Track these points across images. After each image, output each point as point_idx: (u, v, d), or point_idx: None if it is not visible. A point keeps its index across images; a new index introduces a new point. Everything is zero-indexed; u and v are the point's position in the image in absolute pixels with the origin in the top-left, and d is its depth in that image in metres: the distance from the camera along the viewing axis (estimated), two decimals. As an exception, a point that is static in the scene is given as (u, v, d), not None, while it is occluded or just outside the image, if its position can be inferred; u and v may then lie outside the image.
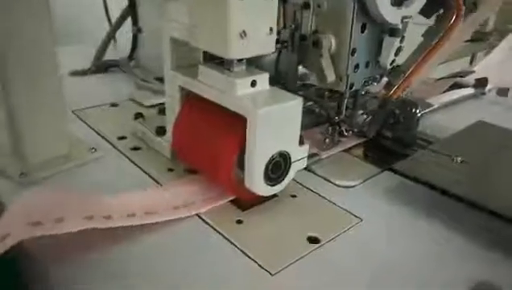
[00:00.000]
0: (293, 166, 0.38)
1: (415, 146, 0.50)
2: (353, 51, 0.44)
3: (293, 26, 0.45)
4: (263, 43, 0.36)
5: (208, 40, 0.35)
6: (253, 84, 0.36)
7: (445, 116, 0.60)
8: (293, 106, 0.36)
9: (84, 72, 0.70)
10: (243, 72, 0.37)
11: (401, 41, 0.45)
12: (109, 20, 0.84)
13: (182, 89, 0.41)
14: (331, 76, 0.44)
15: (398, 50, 0.46)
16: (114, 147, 0.48)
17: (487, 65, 0.71)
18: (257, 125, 0.33)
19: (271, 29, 0.36)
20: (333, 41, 0.44)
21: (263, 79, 0.37)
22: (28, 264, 0.33)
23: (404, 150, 0.49)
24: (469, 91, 0.65)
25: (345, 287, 0.31)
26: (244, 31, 0.34)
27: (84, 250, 0.32)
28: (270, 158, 0.36)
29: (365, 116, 0.51)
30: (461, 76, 0.66)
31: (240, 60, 0.37)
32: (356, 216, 0.39)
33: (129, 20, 0.71)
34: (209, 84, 0.37)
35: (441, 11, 0.46)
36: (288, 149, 0.37)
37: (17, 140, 0.41)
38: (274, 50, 0.37)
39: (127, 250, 0.33)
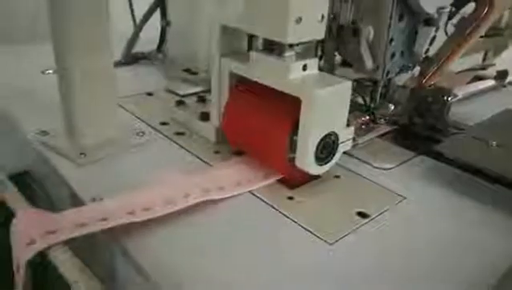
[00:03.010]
0: (340, 147, 0.40)
1: (446, 132, 0.52)
2: (391, 40, 0.46)
3: (332, 16, 0.47)
4: (315, 30, 0.38)
5: (264, 26, 0.37)
6: (305, 68, 0.38)
7: (469, 106, 0.62)
8: (344, 89, 0.38)
9: (114, 64, 0.72)
10: (294, 57, 0.39)
11: (436, 31, 0.47)
12: (132, 14, 0.85)
13: (231, 74, 0.43)
14: (369, 65, 0.46)
15: (433, 39, 0.48)
16: (159, 131, 0.50)
17: (507, 58, 0.73)
18: (312, 105, 0.36)
19: (323, 16, 0.38)
20: (371, 30, 0.46)
21: (313, 63, 0.39)
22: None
23: (436, 136, 0.51)
24: (490, 83, 0.67)
25: (400, 257, 0.33)
26: (300, 17, 0.36)
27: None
28: (321, 138, 0.38)
29: (392, 107, 0.53)
30: (483, 69, 0.68)
31: (291, 46, 0.39)
32: (398, 194, 0.41)
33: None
34: (262, 69, 0.39)
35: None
36: (337, 130, 0.39)
37: (72, 123, 0.43)
38: (323, 36, 0.39)
39: (200, 222, 0.36)
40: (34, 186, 0.48)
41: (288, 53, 0.39)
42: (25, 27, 0.76)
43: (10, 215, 0.33)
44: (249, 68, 0.40)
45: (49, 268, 0.29)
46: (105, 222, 0.32)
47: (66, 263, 0.27)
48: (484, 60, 0.86)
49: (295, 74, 0.38)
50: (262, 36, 0.39)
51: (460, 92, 0.63)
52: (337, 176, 0.43)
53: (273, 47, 0.40)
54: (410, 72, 0.51)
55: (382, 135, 0.52)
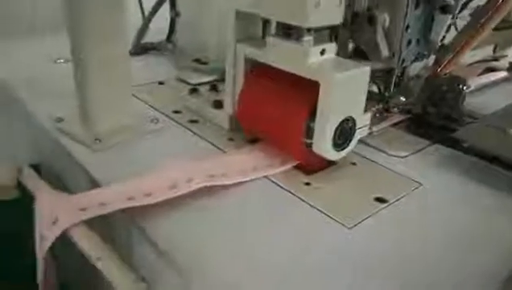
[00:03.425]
0: (357, 132, 0.40)
1: (461, 122, 0.52)
2: (407, 28, 0.45)
3: (347, 3, 0.47)
4: (334, 14, 0.38)
5: (282, 10, 0.37)
6: (323, 52, 0.38)
7: (481, 97, 0.62)
8: (363, 73, 0.38)
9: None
10: (312, 42, 0.38)
11: (452, 18, 0.47)
12: (140, 5, 0.85)
13: (247, 60, 0.43)
14: (385, 52, 0.46)
15: (449, 27, 0.48)
16: (172, 119, 0.49)
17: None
18: (331, 89, 0.35)
19: (341, 0, 0.37)
20: (387, 17, 0.46)
21: (331, 48, 0.39)
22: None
23: (450, 125, 0.51)
24: (503, 74, 0.67)
25: (417, 242, 0.33)
26: (318, 1, 0.36)
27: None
28: (339, 123, 0.37)
29: (403, 99, 0.53)
30: (495, 60, 0.68)
31: (309, 31, 0.38)
32: (415, 181, 0.40)
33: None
34: (279, 54, 0.39)
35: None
36: (354, 115, 0.39)
37: (87, 110, 0.43)
38: (341, 21, 0.38)
39: (219, 203, 0.36)
40: (48, 176, 0.48)
41: (306, 38, 0.38)
42: (38, 17, 0.76)
43: (31, 201, 0.33)
44: (266, 53, 0.40)
45: (69, 246, 0.29)
46: (102, 208, 0.32)
47: (88, 241, 0.27)
48: (494, 53, 0.86)
49: (313, 58, 0.37)
50: (279, 20, 0.39)
51: (473, 83, 0.63)
52: (353, 163, 0.43)
53: (290, 32, 0.39)
54: (425, 60, 0.50)
55: (396, 124, 0.52)
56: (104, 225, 0.33)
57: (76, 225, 0.29)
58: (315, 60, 0.38)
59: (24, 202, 0.34)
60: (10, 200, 0.36)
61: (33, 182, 0.34)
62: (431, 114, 0.53)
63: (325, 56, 0.38)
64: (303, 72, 0.37)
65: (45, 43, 0.71)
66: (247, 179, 0.38)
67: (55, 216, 0.29)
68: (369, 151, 0.46)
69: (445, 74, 0.50)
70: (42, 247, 0.29)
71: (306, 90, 0.38)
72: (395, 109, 0.53)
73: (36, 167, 0.52)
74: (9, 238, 0.38)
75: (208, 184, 0.36)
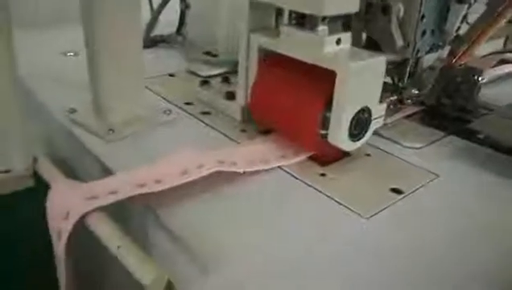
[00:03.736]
0: (372, 123, 0.39)
1: (476, 113, 0.51)
2: (422, 17, 0.45)
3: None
4: (350, 2, 0.37)
5: (297, -1, 0.37)
6: (338, 42, 0.38)
7: (495, 89, 0.61)
8: (379, 63, 0.37)
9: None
10: (327, 31, 0.38)
11: (468, 8, 0.46)
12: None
13: (260, 50, 0.42)
14: (399, 42, 0.45)
15: (464, 17, 0.47)
16: (185, 111, 0.49)
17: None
18: (348, 79, 0.35)
19: (357, -12, 0.37)
20: (402, 7, 0.45)
21: (346, 38, 0.38)
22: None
23: (465, 116, 0.51)
24: (517, 66, 0.66)
25: (436, 233, 0.33)
26: (335, -11, 0.35)
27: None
28: (355, 113, 0.37)
29: (416, 91, 0.52)
30: (510, 52, 0.67)
31: (324, 20, 0.38)
32: (431, 172, 0.40)
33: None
34: (294, 43, 0.39)
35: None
36: (370, 106, 0.38)
37: (100, 101, 0.43)
38: (357, 9, 0.38)
39: (231, 193, 0.36)
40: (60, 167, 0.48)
41: (321, 27, 0.38)
42: (47, 10, 0.76)
43: (46, 190, 0.33)
44: (280, 43, 0.40)
45: (86, 235, 0.28)
46: (113, 195, 0.31)
47: (107, 229, 0.27)
48: (504, 45, 0.85)
49: (328, 48, 0.37)
50: (294, 9, 0.38)
51: (487, 75, 0.62)
52: (368, 155, 0.43)
53: (304, 21, 0.39)
54: (439, 51, 0.50)
55: (410, 116, 0.52)
56: (118, 214, 0.33)
57: (94, 213, 0.28)
58: (331, 49, 0.37)
59: (39, 191, 0.33)
60: (25, 190, 0.36)
61: (48, 171, 0.34)
62: (445, 106, 0.52)
63: (341, 46, 0.38)
64: (319, 62, 0.37)
65: (54, 36, 0.71)
66: (260, 168, 0.38)
67: (66, 208, 0.29)
68: (384, 143, 0.45)
69: (460, 65, 0.50)
70: (60, 242, 0.29)
71: (321, 80, 0.37)
72: (409, 101, 0.52)
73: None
74: (23, 228, 0.38)
75: (219, 168, 0.35)
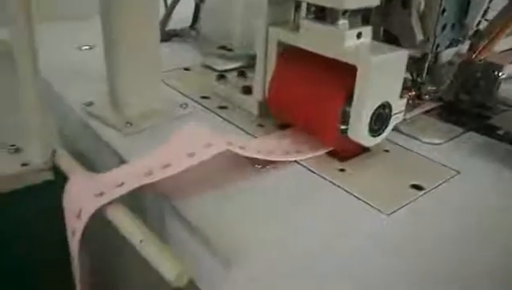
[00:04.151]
0: (392, 118, 0.39)
1: (495, 109, 0.50)
2: (443, 11, 0.44)
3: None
4: (371, -4, 0.37)
5: (319, -8, 0.36)
6: (359, 36, 0.37)
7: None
8: (400, 57, 0.37)
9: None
10: (347, 25, 0.38)
11: (489, 2, 0.46)
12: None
13: (279, 44, 0.42)
14: (419, 37, 0.45)
15: (485, 11, 0.46)
16: (201, 105, 0.49)
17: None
18: (369, 73, 0.35)
19: (378, -18, 0.36)
20: (422, 1, 0.44)
21: (367, 32, 0.38)
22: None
23: (484, 112, 0.50)
24: (535, 62, 0.65)
25: (459, 230, 0.32)
26: (356, -18, 0.35)
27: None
28: (376, 108, 0.37)
29: (433, 88, 0.51)
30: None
31: (344, 13, 0.37)
32: (451, 169, 0.40)
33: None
34: (314, 37, 0.38)
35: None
36: (391, 101, 0.38)
37: (118, 94, 0.43)
38: (379, 3, 0.37)
39: (250, 187, 0.35)
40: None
41: (342, 21, 0.37)
42: (61, 3, 0.76)
43: (64, 181, 0.33)
44: (300, 37, 0.39)
45: (101, 230, 0.28)
46: (120, 189, 0.31)
47: (128, 223, 0.27)
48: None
49: (349, 42, 0.37)
50: (315, 3, 0.38)
51: (506, 70, 0.61)
52: (386, 150, 0.42)
53: (324, 15, 0.39)
54: (459, 46, 0.49)
55: (428, 112, 0.51)
56: (134, 205, 0.33)
57: (115, 206, 0.28)
58: (352, 43, 0.37)
59: (58, 184, 0.33)
60: (43, 183, 0.36)
61: (67, 164, 0.34)
62: (464, 102, 0.52)
63: (361, 40, 0.38)
64: (340, 56, 0.36)
65: (69, 29, 0.71)
66: (278, 159, 0.38)
67: (79, 206, 0.29)
68: (402, 139, 0.45)
69: (479, 60, 0.49)
70: (74, 240, 0.29)
71: (341, 75, 0.37)
72: (427, 97, 0.52)
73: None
74: (42, 221, 0.38)
75: (228, 147, 0.34)
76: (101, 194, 0.30)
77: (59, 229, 0.32)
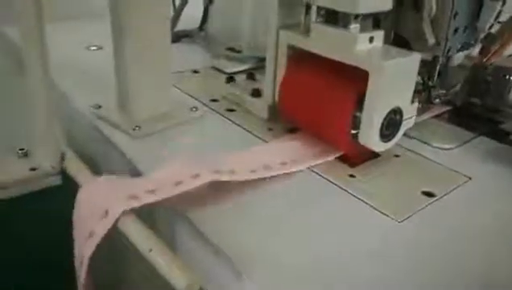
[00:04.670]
0: (404, 123, 0.39)
1: (507, 113, 0.50)
2: (455, 15, 0.44)
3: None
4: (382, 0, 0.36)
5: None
6: (371, 40, 0.37)
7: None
8: (413, 61, 0.36)
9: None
10: (359, 29, 0.37)
11: (502, 5, 0.45)
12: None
13: (289, 47, 0.41)
14: (431, 40, 0.44)
15: (498, 14, 0.46)
16: (210, 108, 0.49)
17: None
18: (381, 78, 0.34)
19: (390, -14, 0.36)
20: (434, 4, 0.44)
21: (379, 36, 0.38)
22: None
23: (494, 116, 0.49)
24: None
25: (471, 238, 0.32)
26: (368, -14, 0.34)
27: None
28: (387, 113, 0.36)
29: (441, 91, 0.51)
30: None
31: (356, 17, 0.37)
32: (463, 174, 0.39)
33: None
34: (325, 41, 0.38)
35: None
36: (402, 105, 0.37)
37: (126, 97, 0.43)
38: (391, 7, 0.37)
39: (255, 198, 0.35)
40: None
41: (354, 24, 0.37)
42: (68, 3, 0.76)
43: (73, 186, 0.32)
44: (311, 41, 0.39)
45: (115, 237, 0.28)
46: (153, 196, 0.30)
47: (138, 231, 0.26)
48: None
49: (361, 46, 0.36)
50: (326, 6, 0.38)
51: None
52: (397, 155, 0.42)
53: (336, 18, 0.38)
54: (470, 49, 0.48)
55: (438, 116, 0.51)
56: (146, 217, 0.32)
57: (126, 214, 0.28)
58: (364, 47, 0.36)
59: (67, 189, 0.33)
60: (52, 187, 0.36)
61: (76, 169, 0.34)
62: (474, 106, 0.51)
63: (373, 44, 0.37)
64: (351, 61, 0.36)
65: (76, 29, 0.71)
66: (291, 170, 0.37)
67: (105, 207, 0.29)
68: (412, 143, 0.44)
69: (490, 64, 0.49)
70: (91, 242, 0.28)
71: (352, 79, 0.37)
72: (437, 100, 0.51)
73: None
74: (50, 227, 0.37)
75: (253, 177, 0.35)
76: (133, 197, 0.30)
77: (68, 234, 0.31)
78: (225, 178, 0.33)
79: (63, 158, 0.36)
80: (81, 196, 0.31)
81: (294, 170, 0.37)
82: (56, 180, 0.36)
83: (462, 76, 0.51)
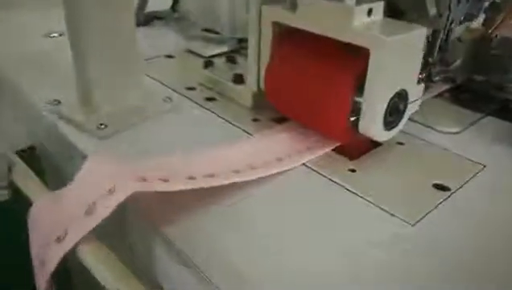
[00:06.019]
0: (408, 108, 0.34)
1: (513, 90, 0.45)
2: (458, -18, 0.39)
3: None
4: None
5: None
6: (370, 12, 0.32)
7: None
8: (418, 36, 0.31)
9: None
10: (355, 0, 0.32)
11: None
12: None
13: (274, 25, 0.36)
14: (432, 11, 0.39)
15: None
16: (187, 97, 0.43)
17: None
18: (383, 56, 0.29)
19: None
20: (435, -29, 0.39)
21: (379, 8, 0.32)
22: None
23: (501, 94, 0.45)
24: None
25: (494, 238, 0.28)
26: None
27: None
28: (391, 97, 0.31)
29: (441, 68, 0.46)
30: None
31: (350, -13, 0.32)
32: (476, 162, 0.35)
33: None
34: (317, 16, 0.33)
35: None
36: (407, 87, 0.33)
37: (89, 90, 0.37)
38: (391, -27, 0.32)
39: (248, 198, 0.30)
40: (42, 161, 0.42)
41: (348, -5, 0.32)
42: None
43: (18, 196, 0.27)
44: (299, 16, 0.34)
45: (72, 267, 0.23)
46: (165, 185, 0.26)
47: (104, 266, 0.21)
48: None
49: (359, 20, 0.31)
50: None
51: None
52: (401, 143, 0.37)
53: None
54: (473, 20, 0.44)
55: (439, 95, 0.46)
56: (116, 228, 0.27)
57: (89, 241, 0.22)
58: (362, 22, 0.31)
59: (18, 204, 0.28)
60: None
61: (26, 182, 0.28)
62: (479, 83, 0.47)
63: (372, 18, 0.32)
64: (348, 38, 0.31)
65: (35, 16, 0.64)
66: (283, 169, 0.32)
67: (111, 184, 0.23)
68: (416, 128, 0.40)
69: (495, 36, 0.44)
70: (42, 273, 0.23)
71: (348, 59, 0.31)
72: (437, 78, 0.46)
73: (32, 149, 0.46)
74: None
75: (236, 179, 0.30)
76: (143, 179, 0.25)
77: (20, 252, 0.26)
78: (200, 184, 0.27)
79: (10, 169, 0.30)
80: (33, 216, 0.25)
81: (286, 168, 0.32)
82: (3, 195, 0.30)
83: (463, 51, 0.46)
